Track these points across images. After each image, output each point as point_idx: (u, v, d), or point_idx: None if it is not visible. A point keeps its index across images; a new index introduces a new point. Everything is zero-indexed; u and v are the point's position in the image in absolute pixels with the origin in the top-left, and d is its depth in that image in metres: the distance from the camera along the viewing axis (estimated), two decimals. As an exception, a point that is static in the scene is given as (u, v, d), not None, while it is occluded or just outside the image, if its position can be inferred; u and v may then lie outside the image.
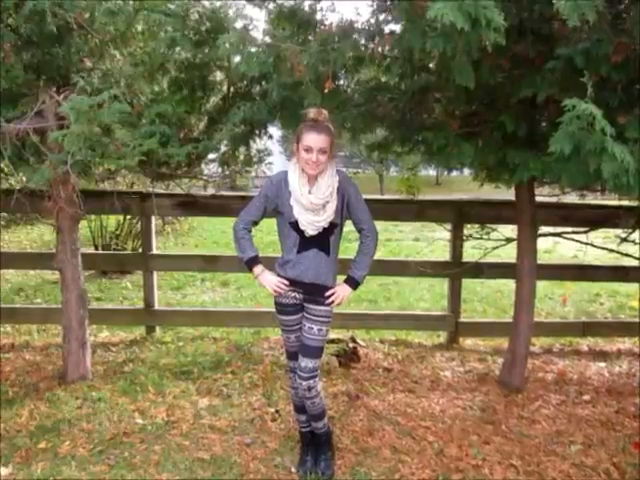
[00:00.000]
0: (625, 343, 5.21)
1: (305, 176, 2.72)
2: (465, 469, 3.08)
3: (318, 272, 2.81)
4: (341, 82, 3.67)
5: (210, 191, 4.85)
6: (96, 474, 2.98)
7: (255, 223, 2.89)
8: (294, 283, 2.84)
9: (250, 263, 2.87)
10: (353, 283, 2.92)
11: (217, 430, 3.45)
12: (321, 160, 2.65)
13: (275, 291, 2.85)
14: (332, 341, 4.67)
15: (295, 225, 2.75)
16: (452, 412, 3.76)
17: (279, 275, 2.87)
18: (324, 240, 2.78)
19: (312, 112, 2.70)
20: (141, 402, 3.78)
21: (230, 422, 3.55)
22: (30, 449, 3.21)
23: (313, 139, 2.64)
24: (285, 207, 2.76)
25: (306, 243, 2.77)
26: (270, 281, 2.85)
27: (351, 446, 3.29)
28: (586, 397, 4.03)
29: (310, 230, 2.73)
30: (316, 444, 3.10)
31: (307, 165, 2.67)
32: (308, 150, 2.64)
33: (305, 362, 2.86)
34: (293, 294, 2.87)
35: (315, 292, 2.85)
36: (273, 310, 3.00)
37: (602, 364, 4.70)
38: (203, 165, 4.66)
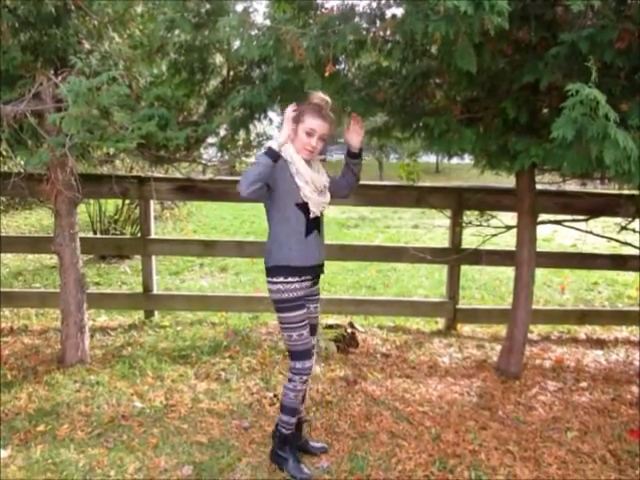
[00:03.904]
0: (622, 332, 5.23)
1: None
2: (462, 454, 3.09)
3: (320, 252, 2.81)
4: (342, 66, 3.64)
5: (209, 176, 4.84)
6: (94, 457, 2.99)
7: None
8: (305, 270, 2.74)
9: (270, 151, 2.58)
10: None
11: (215, 414, 3.47)
12: (318, 147, 2.70)
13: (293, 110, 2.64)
14: (331, 327, 4.68)
15: (303, 207, 2.68)
16: (449, 398, 3.77)
17: (282, 266, 2.71)
18: (319, 220, 2.80)
19: (318, 98, 2.72)
20: (139, 386, 3.79)
21: (228, 406, 3.57)
22: (29, 432, 3.22)
23: (318, 124, 2.66)
24: (290, 187, 2.66)
25: (310, 225, 2.73)
26: (287, 122, 2.63)
27: (349, 431, 3.30)
28: (583, 384, 4.05)
29: (318, 211, 2.73)
30: (299, 437, 3.09)
31: (304, 149, 2.67)
32: (310, 134, 2.66)
33: (315, 340, 2.96)
34: (304, 284, 2.77)
35: (319, 273, 2.88)
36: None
37: (599, 352, 4.72)
38: (202, 149, 4.63)
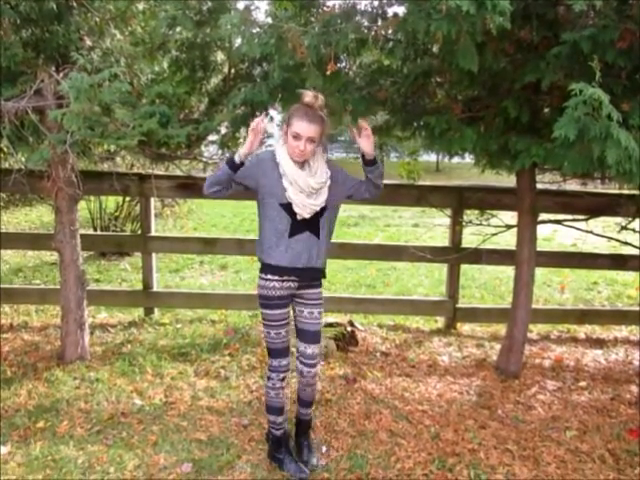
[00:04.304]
0: (622, 331, 5.23)
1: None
2: (461, 453, 3.10)
3: (310, 255, 2.72)
4: (343, 65, 3.64)
5: (210, 173, 4.83)
6: (94, 454, 2.99)
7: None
8: (287, 271, 2.71)
9: (230, 162, 2.61)
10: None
11: (215, 411, 3.47)
12: (308, 149, 2.60)
13: (254, 131, 2.58)
14: (330, 325, 4.67)
15: (288, 207, 2.66)
16: (449, 397, 3.78)
17: (265, 264, 2.73)
18: (315, 223, 2.71)
19: (308, 96, 2.61)
20: (139, 383, 3.80)
21: (228, 404, 3.57)
22: (28, 428, 3.22)
23: (303, 128, 2.57)
24: (275, 188, 2.65)
25: (298, 226, 2.68)
26: (252, 131, 2.59)
27: (348, 429, 3.31)
28: (582, 384, 4.05)
29: (305, 213, 2.65)
30: (298, 434, 3.07)
31: (293, 152, 2.62)
32: (296, 137, 2.58)
33: (312, 349, 2.82)
34: (288, 284, 2.73)
35: (309, 276, 2.78)
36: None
37: (599, 351, 4.72)
38: (203, 147, 4.63)
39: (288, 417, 3.05)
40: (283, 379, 2.85)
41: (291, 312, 2.86)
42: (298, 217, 2.67)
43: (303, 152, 2.60)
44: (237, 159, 2.59)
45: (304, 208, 2.64)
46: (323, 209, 2.72)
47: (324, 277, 2.87)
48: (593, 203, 4.71)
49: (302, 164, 2.66)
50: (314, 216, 2.69)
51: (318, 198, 2.67)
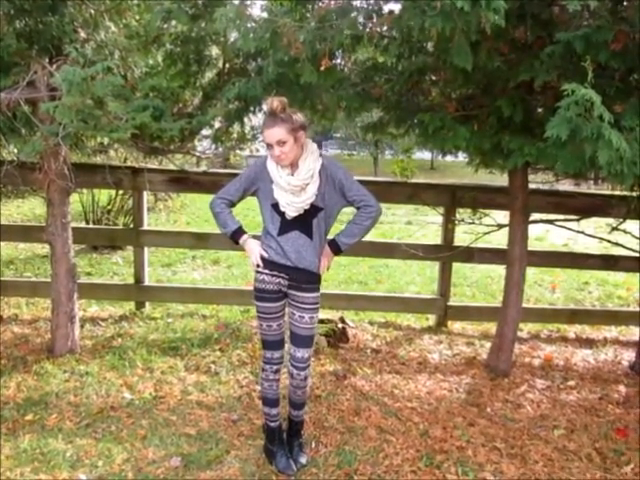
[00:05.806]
0: (612, 331, 5.26)
1: None
2: (449, 450, 3.11)
3: (301, 256, 2.71)
4: (338, 61, 3.63)
5: (203, 168, 4.83)
6: (82, 447, 2.99)
7: (232, 204, 2.81)
8: (277, 266, 2.73)
9: (234, 236, 2.81)
10: (334, 246, 2.83)
11: (204, 406, 3.47)
12: (284, 151, 2.57)
13: (256, 265, 2.75)
14: (322, 321, 4.66)
15: (276, 207, 2.69)
16: (438, 394, 3.79)
17: (261, 257, 2.76)
18: (306, 223, 2.70)
19: (267, 103, 2.61)
20: (129, 377, 3.79)
21: (217, 399, 3.57)
22: (17, 421, 3.21)
23: (268, 135, 2.58)
24: (267, 191, 2.70)
25: (287, 225, 2.70)
26: (253, 251, 2.76)
27: (337, 425, 3.32)
28: (571, 383, 4.07)
29: (290, 211, 2.65)
30: (290, 433, 3.04)
31: (275, 160, 2.63)
32: (269, 146, 2.60)
33: (301, 352, 2.81)
34: (277, 280, 2.74)
35: (299, 278, 2.75)
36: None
37: (588, 351, 4.75)
38: (196, 141, 4.62)
39: (281, 415, 3.05)
40: (276, 371, 2.88)
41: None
42: (287, 216, 2.68)
43: (280, 157, 2.59)
44: (240, 241, 2.81)
45: (287, 206, 2.66)
46: (317, 210, 2.70)
47: (319, 282, 2.82)
48: (585, 203, 4.73)
49: (294, 164, 2.64)
50: (305, 216, 2.69)
51: (302, 196, 2.65)
